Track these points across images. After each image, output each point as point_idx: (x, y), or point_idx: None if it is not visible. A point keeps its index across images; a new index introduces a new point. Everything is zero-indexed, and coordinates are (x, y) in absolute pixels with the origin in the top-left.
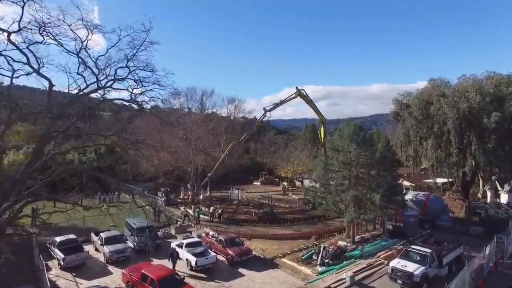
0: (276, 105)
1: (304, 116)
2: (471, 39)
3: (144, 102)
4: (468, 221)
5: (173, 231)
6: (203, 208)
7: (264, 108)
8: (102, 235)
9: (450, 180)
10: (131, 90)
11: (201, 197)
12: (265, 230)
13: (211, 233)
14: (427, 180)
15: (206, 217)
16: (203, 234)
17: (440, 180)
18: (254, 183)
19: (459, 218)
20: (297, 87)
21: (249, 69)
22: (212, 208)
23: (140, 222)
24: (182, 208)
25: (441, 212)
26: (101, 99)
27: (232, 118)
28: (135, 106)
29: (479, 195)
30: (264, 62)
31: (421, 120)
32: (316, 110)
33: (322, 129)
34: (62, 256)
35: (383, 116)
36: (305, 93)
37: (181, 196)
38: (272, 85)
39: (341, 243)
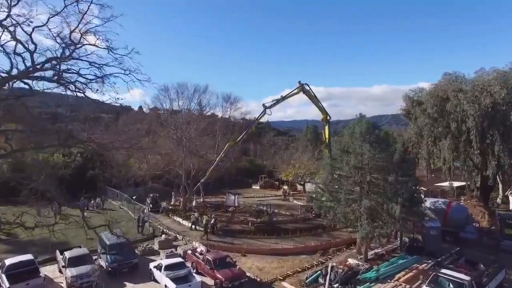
0: (277, 101)
1: (305, 118)
2: (473, 39)
3: (77, 82)
4: (498, 234)
5: (156, 246)
6: (194, 216)
7: (263, 105)
8: (66, 254)
9: (468, 183)
10: (56, 67)
11: (193, 203)
12: (262, 243)
13: (199, 249)
14: (440, 184)
15: (189, 224)
16: (189, 251)
17: (454, 184)
18: (253, 186)
19: (483, 228)
20: (299, 82)
21: (249, 70)
22: (205, 217)
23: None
24: (173, 217)
25: (465, 223)
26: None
27: (228, 117)
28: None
29: (499, 200)
30: (264, 63)
31: (436, 118)
32: (320, 107)
33: (326, 128)
34: (7, 285)
35: (383, 117)
36: (308, 88)
37: (172, 203)
38: (272, 86)
39: (351, 261)
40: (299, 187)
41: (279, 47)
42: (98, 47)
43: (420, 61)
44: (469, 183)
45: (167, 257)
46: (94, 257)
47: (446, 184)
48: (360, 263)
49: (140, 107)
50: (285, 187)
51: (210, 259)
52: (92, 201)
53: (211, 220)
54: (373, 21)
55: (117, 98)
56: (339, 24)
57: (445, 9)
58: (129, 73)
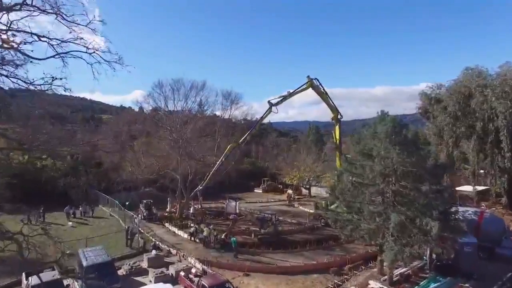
0: (284, 98)
1: (306, 119)
2: (474, 39)
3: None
4: None
5: (145, 263)
6: (194, 226)
7: (269, 101)
8: (31, 280)
9: (494, 188)
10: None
11: (191, 210)
12: (268, 259)
13: (194, 268)
14: (457, 188)
15: (185, 235)
16: (182, 273)
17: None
18: (255, 190)
19: None
20: (308, 76)
21: (249, 71)
22: (206, 229)
23: (96, 255)
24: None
25: (502, 236)
26: None
27: (228, 117)
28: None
29: None
30: (264, 64)
31: (458, 117)
32: (331, 105)
33: (337, 128)
34: None
35: None
36: (318, 83)
37: (168, 209)
38: (274, 87)
39: (374, 285)
40: (304, 191)
41: (280, 48)
42: (46, 12)
43: (420, 62)
44: (494, 187)
45: (156, 279)
46: (67, 283)
47: (464, 188)
48: (384, 287)
49: (141, 108)
50: (290, 191)
51: (206, 285)
52: (80, 208)
53: (215, 233)
54: (373, 22)
55: (54, 78)
56: (340, 25)
57: (445, 9)
58: (94, 52)
